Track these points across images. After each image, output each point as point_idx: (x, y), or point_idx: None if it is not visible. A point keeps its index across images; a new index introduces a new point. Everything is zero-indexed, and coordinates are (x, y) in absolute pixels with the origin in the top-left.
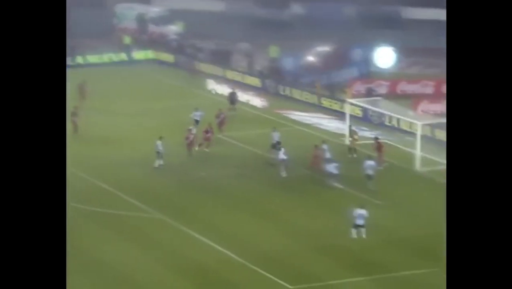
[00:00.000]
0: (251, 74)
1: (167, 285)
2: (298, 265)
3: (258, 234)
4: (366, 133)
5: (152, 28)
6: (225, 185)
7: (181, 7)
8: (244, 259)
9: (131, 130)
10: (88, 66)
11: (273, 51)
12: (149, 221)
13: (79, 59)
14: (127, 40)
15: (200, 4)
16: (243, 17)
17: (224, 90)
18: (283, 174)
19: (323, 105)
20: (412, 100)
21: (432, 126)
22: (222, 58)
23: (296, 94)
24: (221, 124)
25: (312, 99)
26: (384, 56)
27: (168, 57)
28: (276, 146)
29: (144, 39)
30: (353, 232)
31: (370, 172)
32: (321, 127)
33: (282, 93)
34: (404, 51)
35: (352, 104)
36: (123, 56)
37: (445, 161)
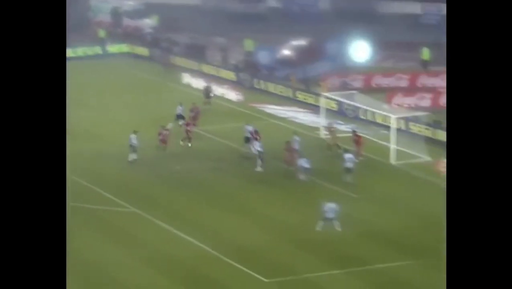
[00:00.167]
0: (226, 68)
1: (141, 279)
2: (273, 258)
3: (233, 228)
4: (341, 127)
5: (126, 21)
6: (200, 179)
7: (156, 1)
8: (219, 253)
9: (105, 124)
10: None
11: (248, 44)
12: (124, 215)
13: None
14: (101, 33)
15: None
16: (218, 10)
17: (199, 84)
18: (259, 168)
19: (298, 98)
20: (386, 93)
21: (406, 119)
22: (197, 52)
23: (271, 87)
24: (195, 118)
25: (287, 92)
26: (359, 50)
27: (143, 50)
28: (249, 139)
29: (119, 33)
30: (320, 225)
31: (349, 165)
32: (296, 120)
33: (257, 86)
34: (379, 45)
35: (327, 97)
36: (97, 49)
37: (419, 154)
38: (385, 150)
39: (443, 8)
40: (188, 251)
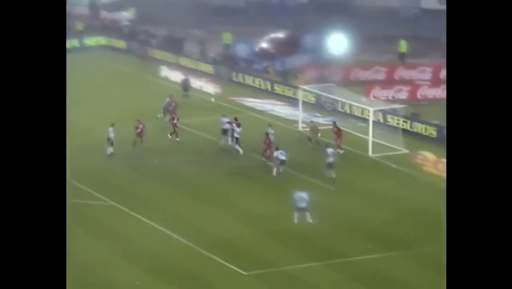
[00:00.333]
0: (204, 60)
1: (118, 272)
2: (252, 251)
3: (212, 221)
4: (320, 120)
5: (104, 14)
6: (178, 172)
7: None
8: (198, 246)
9: (83, 117)
10: None
11: (226, 37)
12: (101, 209)
13: None
14: (79, 26)
15: None
16: (196, 3)
17: (177, 76)
18: (241, 152)
19: (276, 91)
20: (364, 86)
21: (384, 112)
22: (175, 45)
23: (249, 80)
24: (173, 112)
25: (265, 85)
26: (337, 43)
27: (120, 43)
28: (226, 131)
29: (96, 26)
30: (296, 216)
31: (331, 160)
32: (274, 113)
33: (235, 79)
34: (357, 38)
35: (305, 90)
36: (75, 42)
37: (396, 146)
38: (363, 143)
39: (420, 0)
40: (166, 244)
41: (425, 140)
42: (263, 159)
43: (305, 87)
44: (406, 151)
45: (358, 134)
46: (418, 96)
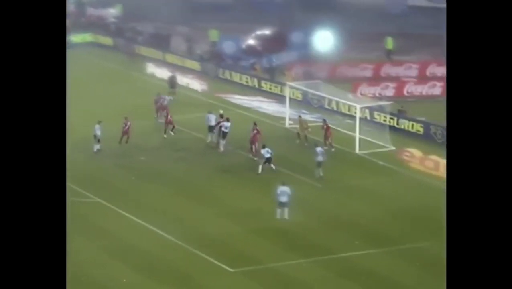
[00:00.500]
0: (190, 58)
1: (104, 269)
2: (239, 248)
3: (199, 218)
4: (306, 116)
5: (90, 11)
6: (165, 169)
7: None
8: (185, 243)
9: (69, 114)
10: None
11: (213, 35)
12: (88, 206)
13: None
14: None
15: None
16: (183, 0)
17: (163, 73)
18: (221, 148)
19: (263, 88)
20: (351, 83)
21: (371, 109)
22: (161, 42)
23: (236, 77)
24: (161, 107)
25: (252, 82)
26: (324, 40)
27: (106, 40)
28: (212, 128)
29: (83, 22)
30: (278, 212)
31: (320, 158)
32: (261, 110)
33: (221, 76)
34: (344, 35)
35: (291, 87)
36: None
37: (383, 143)
38: (350, 140)
39: None
40: (153, 241)
41: (411, 137)
42: (250, 155)
43: (292, 84)
44: (392, 148)
45: (345, 131)
46: (405, 92)
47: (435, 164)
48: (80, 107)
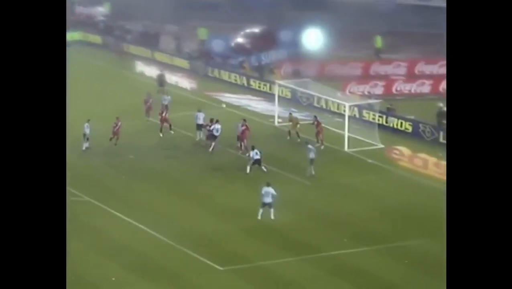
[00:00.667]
0: (179, 56)
1: (94, 268)
2: (228, 246)
3: (188, 216)
4: (296, 114)
5: (79, 9)
6: (154, 167)
7: None
8: (174, 241)
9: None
10: None
11: (202, 33)
12: (77, 205)
13: None
14: None
15: None
16: None
17: (152, 72)
18: (210, 149)
19: (252, 86)
20: (340, 81)
21: (360, 107)
22: (150, 40)
23: (225, 75)
24: (149, 109)
25: (241, 80)
26: (313, 38)
27: (95, 38)
28: (201, 127)
29: (72, 21)
30: (260, 213)
31: (312, 155)
32: (250, 108)
33: (210, 75)
34: (333, 33)
35: (281, 85)
36: None
37: (372, 141)
38: (339, 138)
39: None
40: (143, 240)
41: (400, 135)
42: (239, 152)
43: (281, 82)
44: (381, 146)
45: (334, 129)
46: (394, 91)
47: (423, 162)
48: (69, 105)
